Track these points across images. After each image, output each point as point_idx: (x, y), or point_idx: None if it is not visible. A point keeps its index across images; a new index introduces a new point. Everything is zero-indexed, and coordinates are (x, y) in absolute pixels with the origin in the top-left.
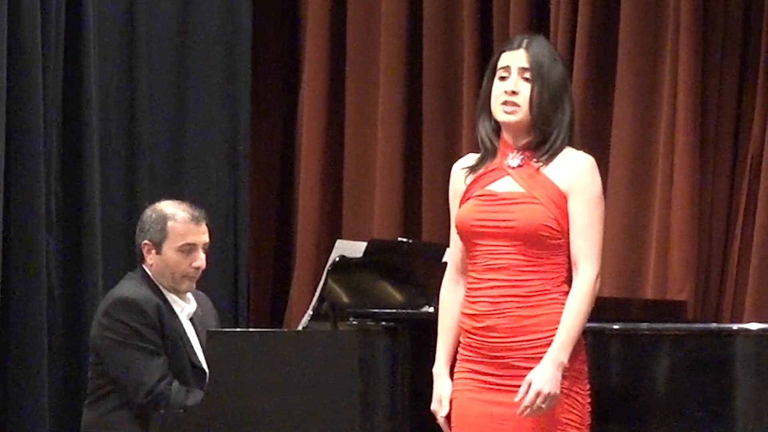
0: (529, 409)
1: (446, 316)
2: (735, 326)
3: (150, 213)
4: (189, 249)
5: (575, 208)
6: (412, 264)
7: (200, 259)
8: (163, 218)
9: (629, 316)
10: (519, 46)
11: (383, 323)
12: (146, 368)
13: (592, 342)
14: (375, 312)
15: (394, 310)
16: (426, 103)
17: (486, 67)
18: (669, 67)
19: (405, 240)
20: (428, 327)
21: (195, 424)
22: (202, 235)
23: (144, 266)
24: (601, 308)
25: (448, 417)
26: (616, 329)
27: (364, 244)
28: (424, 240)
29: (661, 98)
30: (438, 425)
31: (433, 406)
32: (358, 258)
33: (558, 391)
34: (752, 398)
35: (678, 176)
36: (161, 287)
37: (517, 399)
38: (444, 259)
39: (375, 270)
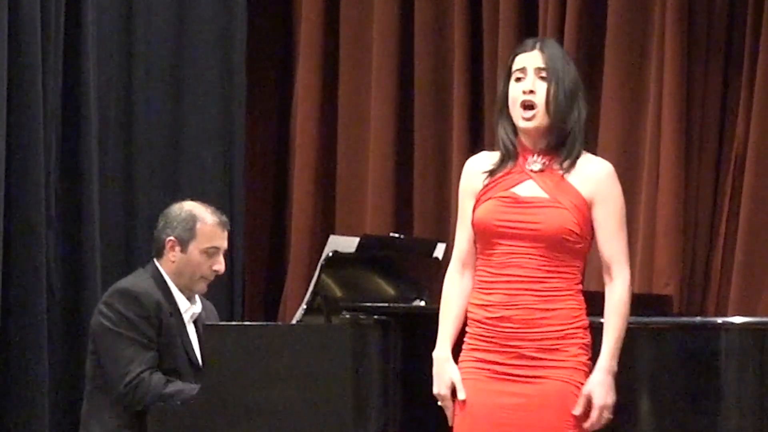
0: (597, 425)
1: (450, 305)
2: (719, 320)
3: (178, 211)
4: (213, 252)
5: (602, 215)
6: (404, 259)
7: (220, 263)
8: (193, 218)
9: None
10: (533, 48)
11: (375, 317)
12: (133, 358)
13: None
14: (367, 306)
15: (386, 304)
16: (417, 101)
17: (476, 66)
18: (655, 66)
19: (397, 235)
20: (419, 320)
21: (191, 416)
22: (225, 241)
23: (157, 262)
24: (588, 302)
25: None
26: (602, 323)
27: (357, 239)
28: (415, 235)
29: (647, 96)
30: (429, 415)
31: (441, 391)
32: (351, 253)
33: (615, 398)
34: (736, 390)
35: (663, 173)
36: (171, 285)
37: (576, 412)
38: (435, 254)
39: (367, 265)
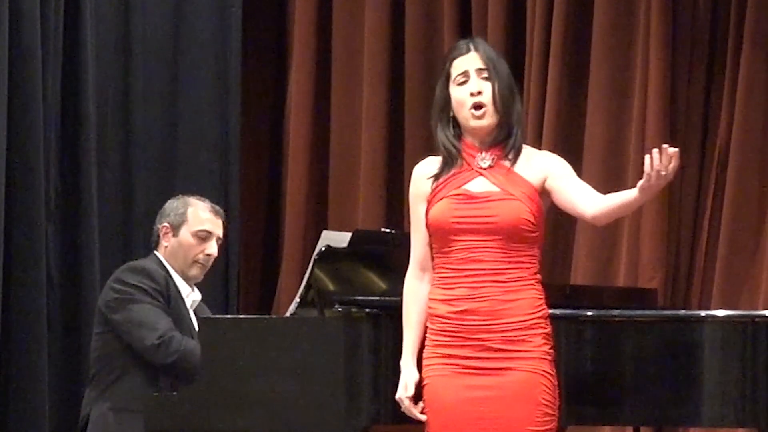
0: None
1: (411, 312)
2: (703, 313)
3: (173, 201)
4: (205, 236)
5: (561, 174)
6: (395, 253)
7: (212, 248)
8: (186, 205)
9: (602, 303)
10: (469, 50)
11: (367, 310)
12: (159, 317)
13: (566, 327)
14: (359, 299)
15: (377, 298)
16: (408, 100)
17: None
18: (640, 66)
19: (388, 231)
20: None
21: (187, 407)
22: (218, 228)
23: (156, 252)
24: (575, 295)
25: (413, 401)
26: (589, 315)
27: (349, 234)
28: (406, 231)
29: (632, 95)
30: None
31: (399, 395)
32: (343, 248)
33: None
34: (718, 381)
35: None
36: (171, 271)
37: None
38: None
39: (359, 259)
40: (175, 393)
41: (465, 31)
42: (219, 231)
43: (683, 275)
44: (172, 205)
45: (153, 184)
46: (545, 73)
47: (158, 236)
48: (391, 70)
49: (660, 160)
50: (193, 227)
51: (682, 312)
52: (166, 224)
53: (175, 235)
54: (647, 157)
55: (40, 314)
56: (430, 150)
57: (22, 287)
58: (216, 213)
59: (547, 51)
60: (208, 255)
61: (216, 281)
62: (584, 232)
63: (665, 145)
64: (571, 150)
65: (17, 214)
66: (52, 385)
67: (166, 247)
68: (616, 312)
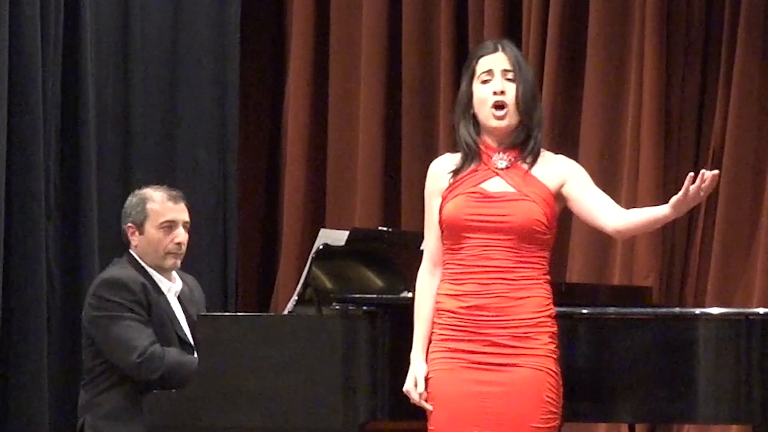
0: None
1: (423, 306)
2: (697, 311)
3: (131, 199)
4: (169, 226)
5: (578, 182)
6: (392, 252)
7: (181, 235)
8: (143, 200)
9: (597, 300)
10: (496, 50)
11: (364, 308)
12: (138, 333)
13: (562, 325)
14: (357, 297)
15: (374, 296)
16: (405, 99)
17: (462, 66)
18: (635, 66)
19: (385, 229)
20: (407, 311)
21: (185, 404)
22: (180, 213)
23: (131, 250)
24: (570, 293)
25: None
26: (584, 313)
27: (347, 232)
28: (403, 229)
29: (627, 95)
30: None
31: (407, 387)
32: (340, 246)
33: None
34: (713, 379)
35: (643, 169)
36: (147, 268)
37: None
38: (422, 247)
39: (357, 257)
40: (173, 390)
41: (462, 30)
42: (183, 216)
43: (678, 273)
44: (131, 202)
45: (152, 182)
46: (540, 73)
47: (127, 237)
48: (389, 69)
49: (702, 181)
50: (156, 221)
51: (677, 310)
52: (130, 224)
53: (141, 233)
54: (690, 175)
55: (40, 313)
56: (426, 149)
57: (22, 286)
58: (175, 199)
59: (542, 51)
60: (178, 243)
61: (215, 279)
62: (579, 231)
63: (707, 171)
64: (566, 149)
65: (17, 214)
66: (52, 384)
67: (136, 246)
68: (611, 310)
